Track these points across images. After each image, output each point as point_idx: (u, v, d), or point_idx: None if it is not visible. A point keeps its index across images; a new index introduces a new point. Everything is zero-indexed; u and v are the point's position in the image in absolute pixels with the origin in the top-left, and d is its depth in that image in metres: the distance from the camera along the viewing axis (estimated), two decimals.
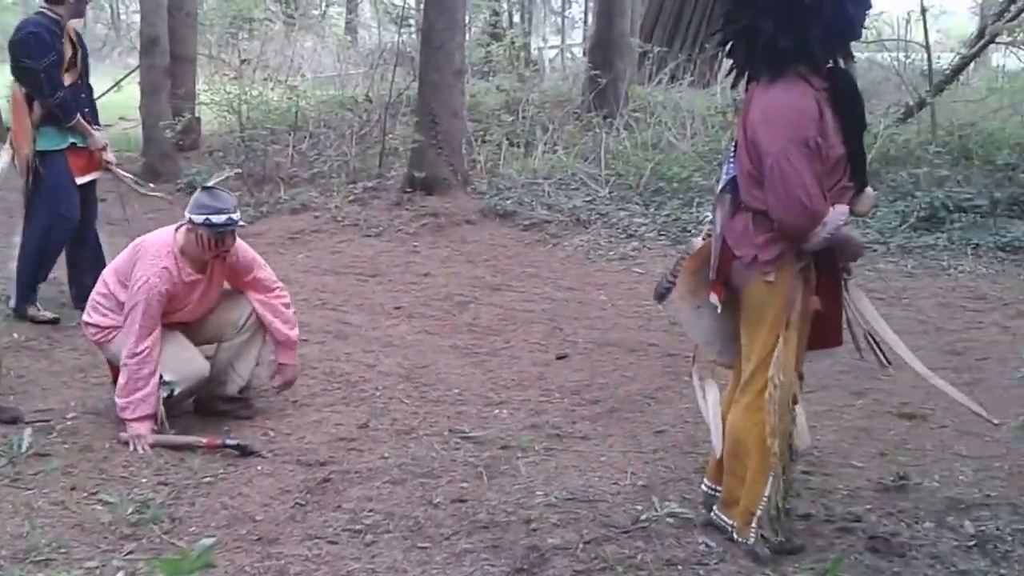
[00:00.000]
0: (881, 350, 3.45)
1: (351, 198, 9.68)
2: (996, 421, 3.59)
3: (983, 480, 3.99)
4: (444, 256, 8.23)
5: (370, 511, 3.61)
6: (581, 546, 3.33)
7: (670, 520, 3.52)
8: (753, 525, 3.27)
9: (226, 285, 4.65)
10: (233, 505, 3.67)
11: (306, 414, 4.63)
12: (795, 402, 3.29)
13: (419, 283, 7.35)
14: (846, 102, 3.15)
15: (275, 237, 8.66)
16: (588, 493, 3.76)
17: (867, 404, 4.89)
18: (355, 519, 3.55)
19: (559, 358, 5.63)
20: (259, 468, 4.02)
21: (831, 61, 3.18)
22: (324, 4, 24.31)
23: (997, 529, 3.51)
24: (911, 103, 11.81)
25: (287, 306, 4.71)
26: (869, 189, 3.31)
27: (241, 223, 4.40)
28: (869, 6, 3.23)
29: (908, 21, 16.04)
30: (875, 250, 8.44)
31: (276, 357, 4.69)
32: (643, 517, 3.53)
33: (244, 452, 4.10)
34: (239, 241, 4.50)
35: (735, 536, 3.34)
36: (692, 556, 3.29)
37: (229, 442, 4.15)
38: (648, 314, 6.65)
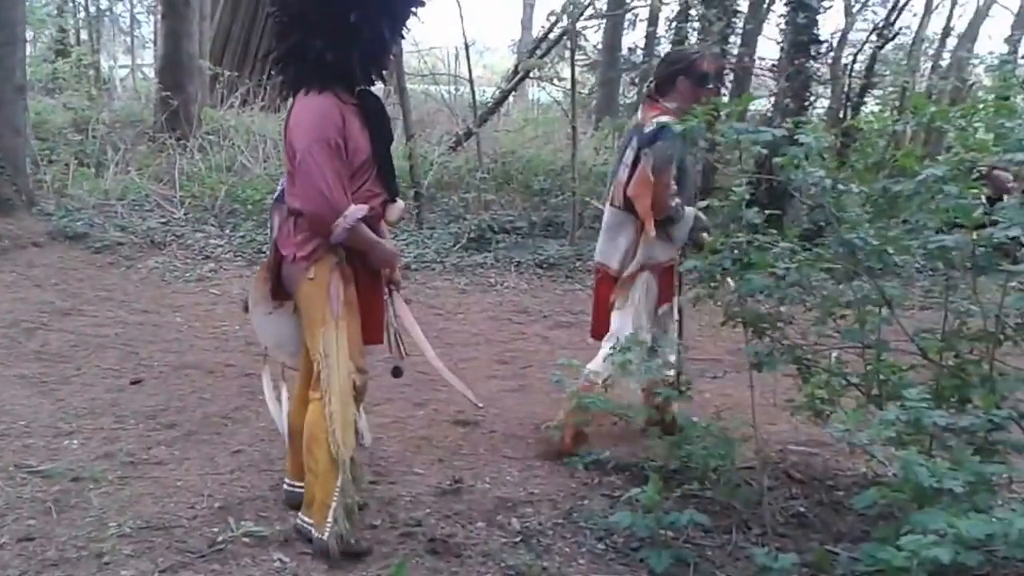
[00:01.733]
0: (402, 344, 3.73)
1: None
2: (480, 404, 3.98)
3: (527, 479, 4.21)
4: (8, 281, 7.48)
5: None
6: (156, 575, 3.20)
7: (246, 540, 3.44)
8: (329, 519, 3.30)
9: None
10: None
11: None
12: (358, 392, 3.42)
13: None
14: (373, 117, 3.36)
15: None
16: (164, 520, 3.59)
17: (428, 414, 5.09)
18: None
19: (134, 383, 5.32)
20: None
21: (366, 82, 3.38)
22: None
23: (539, 524, 3.72)
24: (460, 133, 12.50)
25: None
26: (400, 200, 3.55)
27: None
28: (401, 33, 3.46)
29: (456, 56, 16.99)
30: (433, 269, 8.91)
31: None
32: (219, 539, 3.43)
33: None
34: None
35: (314, 533, 3.36)
36: (267, 574, 3.26)
37: None
38: (225, 335, 6.51)
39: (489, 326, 7.21)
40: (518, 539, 3.59)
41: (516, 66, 14.43)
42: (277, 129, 12.28)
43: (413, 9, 3.41)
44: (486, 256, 9.35)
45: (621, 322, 4.39)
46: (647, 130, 4.28)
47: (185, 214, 9.90)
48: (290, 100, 3.41)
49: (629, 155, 4.35)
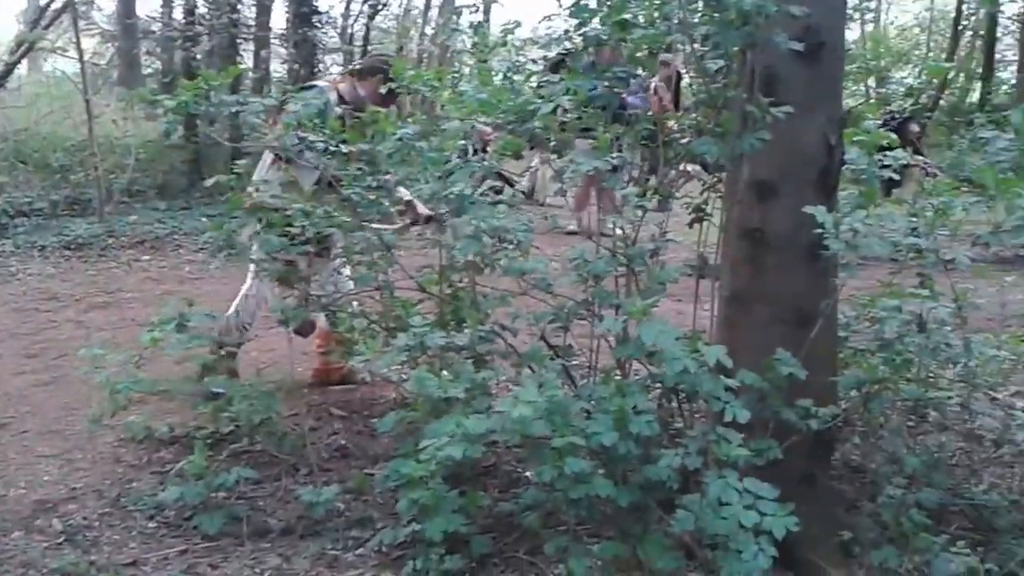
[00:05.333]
0: None
1: None
2: None
3: (68, 475, 4.06)
4: None
5: None
6: None
7: None
8: None
9: None
10: None
11: None
12: None
13: None
14: None
15: None
16: None
17: None
18: None
19: None
20: None
21: None
22: None
23: (84, 519, 3.62)
24: None
25: None
26: None
27: None
28: None
29: None
30: None
31: None
32: None
33: None
34: None
35: None
36: None
37: None
38: None
39: (14, 319, 6.84)
40: (61, 539, 3.47)
41: (21, 37, 13.37)
42: None
43: None
44: (4, 243, 8.87)
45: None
46: None
47: None
48: None
49: None
